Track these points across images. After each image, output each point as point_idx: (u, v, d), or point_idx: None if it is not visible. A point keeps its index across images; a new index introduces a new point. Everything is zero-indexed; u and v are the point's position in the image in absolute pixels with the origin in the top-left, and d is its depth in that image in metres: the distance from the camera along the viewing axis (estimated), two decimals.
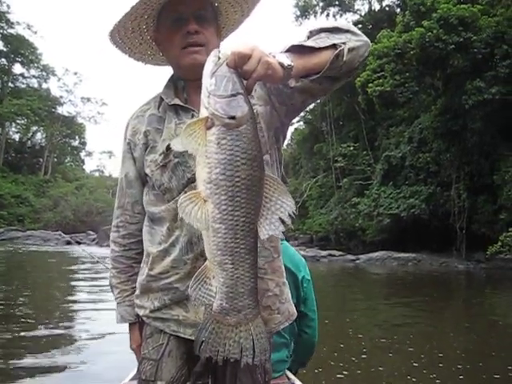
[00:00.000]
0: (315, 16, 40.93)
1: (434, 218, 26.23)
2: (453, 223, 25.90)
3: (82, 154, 71.83)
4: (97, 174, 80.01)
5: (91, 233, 44.90)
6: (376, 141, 34.59)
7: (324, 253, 27.30)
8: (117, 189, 1.79)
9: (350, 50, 1.38)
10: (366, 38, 1.46)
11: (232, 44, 1.19)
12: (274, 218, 1.13)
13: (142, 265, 1.70)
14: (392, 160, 29.38)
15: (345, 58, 1.37)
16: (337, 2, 40.32)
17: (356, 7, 41.15)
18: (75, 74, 65.89)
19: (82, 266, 17.44)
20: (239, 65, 1.14)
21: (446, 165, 26.25)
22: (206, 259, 1.47)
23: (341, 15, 40.98)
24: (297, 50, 1.33)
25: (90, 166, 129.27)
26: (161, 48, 1.65)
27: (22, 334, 6.18)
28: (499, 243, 19.25)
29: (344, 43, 1.38)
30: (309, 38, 1.43)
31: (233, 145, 1.09)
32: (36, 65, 59.63)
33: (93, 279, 13.55)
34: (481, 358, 6.02)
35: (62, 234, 42.03)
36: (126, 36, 1.62)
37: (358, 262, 25.84)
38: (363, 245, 30.39)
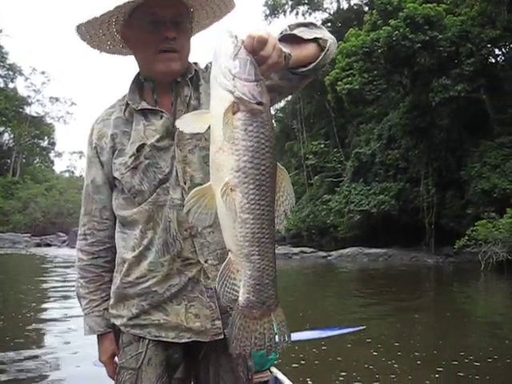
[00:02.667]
0: (284, 15, 41.21)
1: (403, 213, 26.68)
2: (422, 218, 26.40)
3: (52, 154, 70.72)
4: (67, 174, 78.82)
5: (62, 234, 44.31)
6: (346, 138, 34.98)
7: (296, 250, 27.51)
8: (82, 196, 1.75)
9: (331, 45, 1.39)
10: (333, 37, 1.45)
11: (245, 28, 1.15)
12: (280, 211, 1.13)
13: (114, 273, 1.66)
14: (362, 157, 29.75)
15: (329, 53, 1.38)
16: (306, 1, 40.61)
17: (325, 6, 41.55)
18: (43, 73, 64.69)
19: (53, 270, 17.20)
20: (257, 49, 1.10)
21: (414, 161, 26.73)
22: (182, 260, 1.52)
23: (310, 14, 41.32)
24: (288, 39, 1.31)
25: (59, 166, 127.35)
26: (129, 44, 1.61)
27: None
28: (466, 237, 19.67)
29: (324, 39, 1.38)
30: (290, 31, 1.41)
31: (259, 132, 1.06)
32: (2, 64, 58.33)
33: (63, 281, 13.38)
34: (437, 345, 6.20)
35: (31, 236, 41.61)
36: (91, 27, 1.56)
37: (329, 258, 26.11)
38: (335, 241, 30.67)
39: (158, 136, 1.54)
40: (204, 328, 1.52)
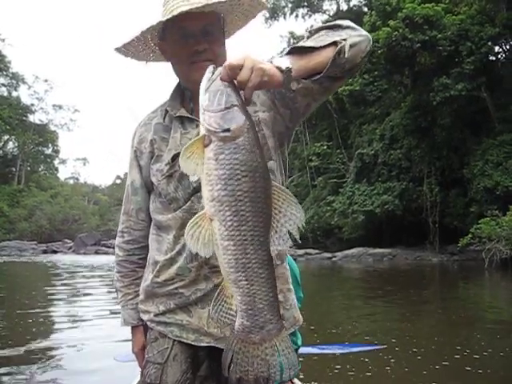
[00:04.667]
0: (284, 17, 41.38)
1: (407, 213, 26.74)
2: (426, 218, 26.45)
3: (56, 161, 70.77)
4: (71, 181, 79.09)
5: (68, 241, 44.53)
6: (349, 139, 34.96)
7: (300, 251, 27.57)
8: (123, 195, 1.80)
9: (352, 46, 1.34)
10: (366, 33, 1.41)
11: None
12: (283, 232, 1.10)
13: (146, 270, 1.72)
14: (365, 157, 29.79)
15: (347, 55, 1.32)
16: (305, 3, 40.77)
17: (324, 7, 41.69)
18: (46, 81, 65.18)
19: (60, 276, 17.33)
20: (232, 76, 1.12)
21: (417, 160, 26.78)
22: (210, 267, 1.55)
23: (309, 16, 41.48)
24: (297, 51, 1.30)
25: (64, 173, 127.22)
26: (166, 56, 1.64)
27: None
28: (469, 235, 19.73)
29: (345, 39, 1.33)
30: (308, 38, 1.40)
31: (231, 158, 1.06)
32: (5, 73, 58.66)
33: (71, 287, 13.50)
34: (441, 341, 6.29)
35: (37, 243, 41.81)
36: (130, 45, 1.62)
37: (334, 259, 26.15)
38: (340, 242, 30.69)
39: None
40: (223, 335, 1.53)
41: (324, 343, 5.75)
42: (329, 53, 1.31)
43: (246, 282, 1.11)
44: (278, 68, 1.21)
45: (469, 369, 4.98)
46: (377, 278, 17.05)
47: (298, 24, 68.58)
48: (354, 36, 1.36)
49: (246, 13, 1.62)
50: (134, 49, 1.64)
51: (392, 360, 5.34)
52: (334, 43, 1.32)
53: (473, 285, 14.61)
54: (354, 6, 39.55)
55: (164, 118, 1.65)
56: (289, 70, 1.22)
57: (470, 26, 23.17)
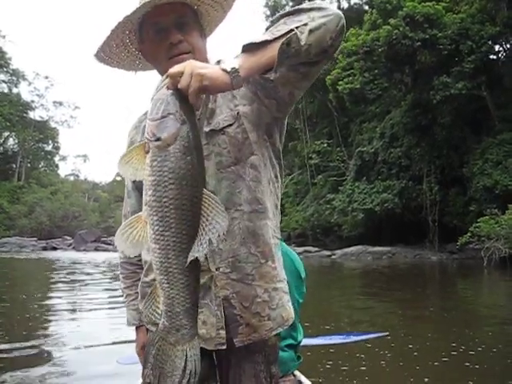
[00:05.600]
0: None
1: (407, 211, 26.80)
2: (425, 216, 26.51)
3: (56, 158, 70.93)
4: (72, 178, 79.27)
5: (67, 238, 44.59)
6: (349, 137, 35.02)
7: (300, 249, 27.61)
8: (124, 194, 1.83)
9: (314, 29, 1.25)
10: (335, 11, 1.30)
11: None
12: (204, 239, 1.12)
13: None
14: (365, 156, 29.84)
15: (303, 42, 1.24)
16: (306, 1, 40.73)
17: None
18: (46, 78, 65.25)
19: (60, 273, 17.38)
20: (174, 84, 1.14)
21: (417, 159, 26.83)
22: None
23: None
24: (250, 48, 1.26)
25: (64, 170, 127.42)
26: (148, 59, 1.60)
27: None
28: (469, 234, 19.79)
29: (305, 24, 1.25)
30: (267, 29, 1.34)
31: (162, 165, 1.10)
32: (5, 69, 58.74)
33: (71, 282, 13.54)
34: (440, 337, 6.35)
35: (37, 239, 41.87)
36: (111, 52, 1.58)
37: (333, 257, 26.22)
38: (340, 240, 30.79)
39: None
40: (209, 336, 1.48)
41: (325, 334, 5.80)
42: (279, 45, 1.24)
43: (167, 285, 1.15)
44: (224, 70, 1.20)
45: (467, 364, 5.03)
46: (376, 275, 17.10)
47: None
48: (319, 18, 1.27)
49: (219, 0, 1.55)
50: (116, 57, 1.61)
51: (388, 355, 5.40)
52: (291, 31, 1.24)
53: (471, 283, 14.66)
54: (355, 4, 39.60)
55: None
56: (235, 70, 1.21)
57: (471, 24, 23.20)
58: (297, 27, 1.24)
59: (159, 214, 1.10)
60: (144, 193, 1.13)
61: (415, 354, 5.51)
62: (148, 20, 1.48)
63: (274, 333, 1.52)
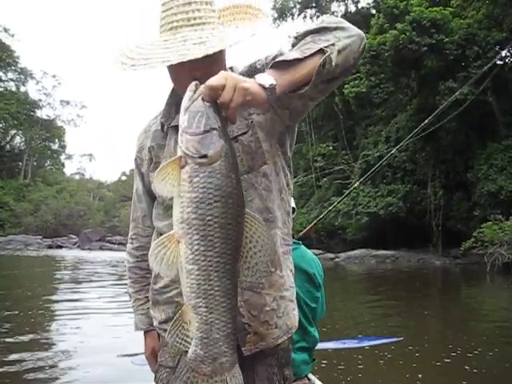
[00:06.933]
0: (292, 18, 41.51)
1: (411, 215, 26.82)
2: (429, 220, 26.52)
3: (62, 157, 71.12)
4: (77, 177, 79.57)
5: (73, 236, 44.74)
6: (355, 140, 35.01)
7: None
8: (132, 197, 1.81)
9: (341, 50, 1.28)
10: (357, 31, 1.35)
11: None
12: (251, 263, 1.08)
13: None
14: (370, 159, 29.81)
15: (334, 62, 1.27)
16: (313, 4, 40.89)
17: (333, 9, 41.74)
18: (54, 76, 65.58)
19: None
20: (214, 97, 1.09)
21: (421, 163, 26.85)
22: None
23: (317, 17, 41.46)
24: (281, 64, 1.24)
25: (70, 169, 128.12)
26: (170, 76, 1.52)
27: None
28: (472, 239, 19.82)
29: (333, 44, 1.28)
30: (294, 45, 1.35)
31: (205, 182, 1.04)
32: (13, 68, 58.95)
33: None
34: (443, 340, 6.44)
35: (43, 238, 42.06)
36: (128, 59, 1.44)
37: (337, 260, 26.27)
38: (344, 243, 30.74)
39: None
40: None
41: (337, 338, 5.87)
42: (315, 62, 1.25)
43: (205, 309, 1.08)
44: (261, 85, 1.17)
45: (467, 368, 5.14)
46: (378, 279, 17.15)
47: (306, 25, 68.40)
48: (344, 38, 1.31)
49: (246, 25, 1.48)
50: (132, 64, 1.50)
51: (388, 356, 5.50)
52: (321, 50, 1.26)
53: (473, 288, 14.71)
54: (362, 8, 39.64)
55: (162, 126, 1.62)
56: (273, 87, 1.18)
57: (478, 30, 23.23)
58: (325, 47, 1.27)
59: (201, 232, 1.04)
60: (179, 210, 1.07)
61: (417, 354, 5.62)
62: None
63: (280, 341, 1.51)
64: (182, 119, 1.08)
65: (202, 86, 1.10)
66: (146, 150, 1.66)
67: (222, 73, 1.11)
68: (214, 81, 1.09)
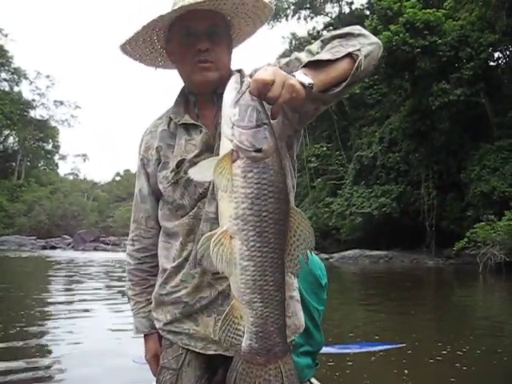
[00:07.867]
0: (286, 19, 41.62)
1: (404, 216, 26.92)
2: (423, 221, 26.64)
3: (56, 157, 70.93)
4: (71, 177, 79.38)
5: (66, 237, 44.58)
6: (349, 141, 35.11)
7: None
8: (133, 203, 1.79)
9: (366, 56, 1.33)
10: (376, 39, 1.40)
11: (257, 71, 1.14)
12: (294, 255, 1.09)
13: (157, 278, 1.69)
14: (364, 160, 29.96)
15: (363, 67, 1.31)
16: (308, 5, 40.99)
17: (327, 10, 41.90)
18: (47, 77, 65.13)
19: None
20: (263, 92, 1.09)
21: (415, 164, 26.97)
22: (213, 273, 1.49)
23: (311, 18, 41.71)
24: (313, 64, 1.27)
25: (64, 169, 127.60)
26: (171, 59, 1.62)
27: None
28: (465, 239, 19.93)
29: (359, 50, 1.32)
30: (321, 47, 1.39)
31: (260, 178, 1.04)
32: (7, 68, 58.67)
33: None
34: (436, 341, 6.50)
35: (36, 238, 41.92)
36: (136, 46, 1.59)
37: (331, 260, 26.28)
38: (338, 243, 30.82)
39: (197, 151, 1.55)
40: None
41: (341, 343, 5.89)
42: (344, 65, 1.30)
43: (260, 304, 1.09)
44: (302, 83, 1.18)
45: (457, 365, 5.20)
46: (372, 280, 17.22)
47: (300, 26, 68.50)
48: (367, 45, 1.36)
49: (252, 16, 1.58)
50: (140, 51, 1.63)
51: (380, 353, 5.55)
52: (349, 54, 1.31)
53: (466, 288, 14.81)
54: (356, 9, 39.76)
55: (169, 125, 1.64)
56: (311, 86, 1.19)
57: (470, 32, 23.37)
58: (353, 51, 1.32)
59: (257, 228, 1.04)
60: (232, 206, 1.06)
61: (409, 351, 5.67)
62: (180, 22, 1.49)
63: (288, 340, 1.48)
64: (232, 112, 1.08)
65: (251, 80, 1.10)
66: (153, 150, 1.66)
67: (270, 68, 1.12)
68: (265, 75, 1.09)
